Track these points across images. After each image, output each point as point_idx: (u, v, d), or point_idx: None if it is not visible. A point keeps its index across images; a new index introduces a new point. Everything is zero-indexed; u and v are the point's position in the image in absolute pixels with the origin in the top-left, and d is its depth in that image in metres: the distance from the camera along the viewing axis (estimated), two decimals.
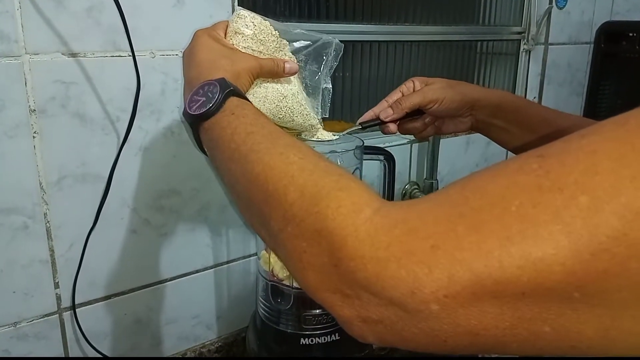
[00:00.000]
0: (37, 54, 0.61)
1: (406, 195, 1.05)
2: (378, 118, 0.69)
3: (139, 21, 0.66)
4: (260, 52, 0.57)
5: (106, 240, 0.71)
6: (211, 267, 0.82)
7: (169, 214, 0.75)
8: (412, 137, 1.04)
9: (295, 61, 0.60)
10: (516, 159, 0.28)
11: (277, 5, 0.85)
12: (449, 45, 1.14)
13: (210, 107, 0.44)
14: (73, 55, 0.63)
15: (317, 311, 0.71)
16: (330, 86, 0.66)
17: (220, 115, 0.44)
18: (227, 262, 0.84)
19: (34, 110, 0.62)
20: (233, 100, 0.45)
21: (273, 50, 0.58)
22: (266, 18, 0.57)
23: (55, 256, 0.67)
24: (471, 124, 0.70)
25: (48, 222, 0.66)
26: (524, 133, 0.66)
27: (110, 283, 0.73)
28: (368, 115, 0.70)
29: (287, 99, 0.59)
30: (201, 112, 0.44)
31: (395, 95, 0.70)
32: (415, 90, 0.69)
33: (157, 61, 0.69)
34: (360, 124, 0.70)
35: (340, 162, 0.74)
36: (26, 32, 0.59)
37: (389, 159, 0.81)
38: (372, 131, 0.74)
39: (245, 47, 0.55)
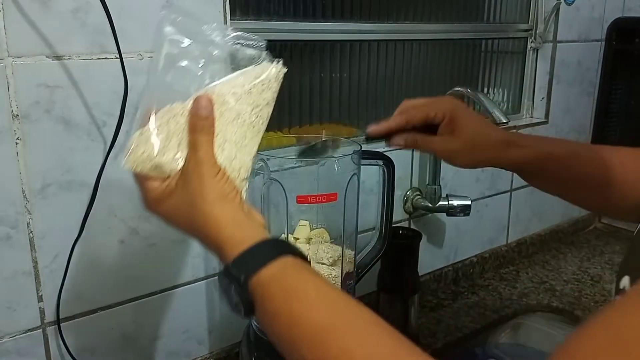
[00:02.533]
0: (21, 56, 0.62)
1: (407, 202, 1.07)
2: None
3: (126, 22, 0.68)
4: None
5: (92, 251, 0.72)
6: (202, 279, 0.84)
7: (158, 223, 0.76)
8: None
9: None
10: None
11: (271, 4, 0.87)
12: (453, 44, 1.16)
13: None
14: (58, 57, 0.64)
15: None
16: None
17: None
18: (219, 274, 0.85)
19: (17, 115, 0.63)
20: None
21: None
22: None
23: (39, 268, 0.69)
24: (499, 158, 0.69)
25: (31, 232, 0.67)
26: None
27: (97, 296, 0.74)
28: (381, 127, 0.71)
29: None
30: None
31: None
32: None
33: (146, 63, 0.71)
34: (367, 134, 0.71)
35: (337, 168, 0.75)
36: (9, 34, 0.61)
37: (388, 164, 0.83)
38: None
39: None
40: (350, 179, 0.74)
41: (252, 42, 0.53)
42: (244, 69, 0.53)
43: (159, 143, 0.50)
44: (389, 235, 0.87)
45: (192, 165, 0.49)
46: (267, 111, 0.55)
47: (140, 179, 0.51)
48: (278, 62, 0.54)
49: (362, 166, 0.78)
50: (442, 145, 0.69)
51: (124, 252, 0.75)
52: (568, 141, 0.75)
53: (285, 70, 0.54)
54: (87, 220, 0.70)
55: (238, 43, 0.53)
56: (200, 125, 0.49)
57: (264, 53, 0.53)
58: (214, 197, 0.48)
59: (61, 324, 0.71)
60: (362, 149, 0.77)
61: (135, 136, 0.50)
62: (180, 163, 0.50)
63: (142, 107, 0.51)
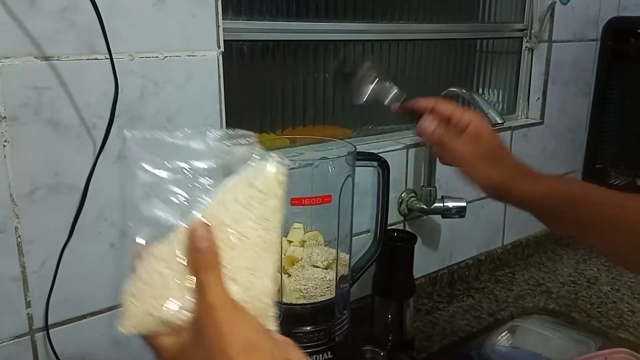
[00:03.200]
0: (8, 57, 0.62)
1: (403, 204, 1.07)
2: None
3: (116, 22, 0.68)
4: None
5: (82, 256, 0.72)
6: None
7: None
8: (407, 142, 1.07)
9: None
10: None
11: (263, 4, 0.88)
12: (448, 44, 1.17)
13: None
14: (46, 58, 0.64)
15: (308, 328, 0.73)
16: None
17: None
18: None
19: (5, 117, 0.63)
20: None
21: None
22: None
23: (27, 273, 0.69)
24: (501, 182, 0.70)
25: (19, 236, 0.67)
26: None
27: (86, 301, 0.74)
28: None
29: None
30: None
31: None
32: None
33: (136, 64, 0.71)
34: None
35: (331, 170, 0.76)
36: None
37: (383, 166, 0.84)
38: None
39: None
40: (344, 181, 0.75)
41: (241, 139, 0.45)
42: (236, 177, 0.44)
43: (155, 293, 0.42)
44: (384, 238, 0.88)
45: (203, 313, 0.40)
46: (277, 218, 0.45)
47: (148, 339, 0.42)
48: (275, 159, 0.45)
49: (356, 168, 0.79)
50: (465, 148, 0.70)
51: (114, 256, 0.75)
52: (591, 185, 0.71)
53: (286, 167, 0.45)
54: (77, 224, 0.70)
55: (224, 143, 0.45)
56: (203, 261, 0.41)
57: (257, 149, 0.45)
58: (237, 350, 0.39)
59: (50, 330, 0.71)
60: (357, 150, 0.77)
61: (127, 291, 0.42)
62: (187, 312, 0.42)
63: (130, 254, 0.44)
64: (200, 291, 0.41)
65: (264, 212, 0.44)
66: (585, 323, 1.09)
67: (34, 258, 0.69)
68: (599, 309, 1.12)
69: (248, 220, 0.43)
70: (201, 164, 0.44)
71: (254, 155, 0.45)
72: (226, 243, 0.43)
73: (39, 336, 0.71)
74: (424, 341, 1.01)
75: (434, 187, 1.06)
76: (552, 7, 1.25)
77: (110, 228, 0.74)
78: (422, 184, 1.06)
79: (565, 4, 1.27)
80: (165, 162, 0.43)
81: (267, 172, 0.44)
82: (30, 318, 0.70)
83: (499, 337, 1.10)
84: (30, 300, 0.69)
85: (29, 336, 0.70)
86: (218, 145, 0.44)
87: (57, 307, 0.71)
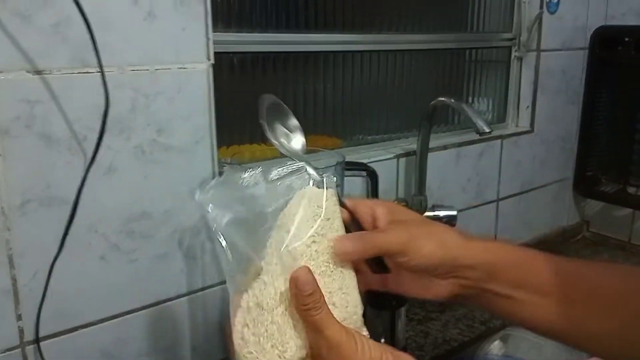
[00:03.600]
0: (1, 72, 0.63)
1: None
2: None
3: (107, 36, 0.69)
4: None
5: (72, 268, 0.73)
6: (185, 295, 0.85)
7: (139, 239, 0.78)
8: (398, 152, 1.09)
9: None
10: None
11: (253, 16, 0.89)
12: (437, 54, 1.19)
13: None
14: (38, 72, 0.66)
15: None
16: None
17: None
18: (202, 289, 0.86)
19: None
20: None
21: None
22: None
23: (18, 286, 0.70)
24: (452, 290, 0.55)
25: (10, 249, 0.68)
26: (533, 298, 0.54)
27: (77, 313, 0.75)
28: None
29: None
30: None
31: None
32: (378, 228, 0.55)
33: (127, 77, 0.72)
34: None
35: None
36: None
37: (372, 176, 0.85)
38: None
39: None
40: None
41: (293, 167, 0.50)
42: (299, 209, 0.48)
43: (276, 341, 0.46)
44: None
45: (326, 352, 0.45)
46: (342, 231, 0.51)
47: None
48: (324, 178, 0.50)
49: (346, 177, 0.80)
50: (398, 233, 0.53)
51: (105, 268, 0.76)
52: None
53: (334, 180, 0.51)
54: (67, 237, 0.71)
55: (279, 179, 0.50)
56: (312, 302, 0.45)
57: (307, 173, 0.50)
58: None
59: (41, 343, 0.72)
60: (346, 160, 0.79)
61: (241, 345, 0.47)
62: (305, 351, 0.46)
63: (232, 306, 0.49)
64: (316, 331, 0.45)
65: (333, 234, 0.49)
66: None
67: (24, 271, 0.70)
68: None
69: (326, 247, 0.49)
70: (267, 209, 0.49)
71: (307, 180, 0.50)
72: (320, 274, 0.48)
73: (30, 349, 0.72)
74: (416, 351, 1.02)
75: (425, 195, 1.07)
76: (539, 17, 1.28)
77: (101, 240, 0.75)
78: (413, 193, 1.08)
79: (553, 13, 1.30)
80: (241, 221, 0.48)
81: (323, 198, 0.49)
82: (21, 331, 0.71)
83: (492, 345, 1.11)
84: (21, 313, 0.70)
85: (20, 349, 0.71)
86: (276, 186, 0.49)
87: (48, 320, 0.72)
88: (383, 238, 0.52)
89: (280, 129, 0.58)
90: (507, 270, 0.53)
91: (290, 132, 0.58)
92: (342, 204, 0.54)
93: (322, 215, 0.49)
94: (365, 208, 0.56)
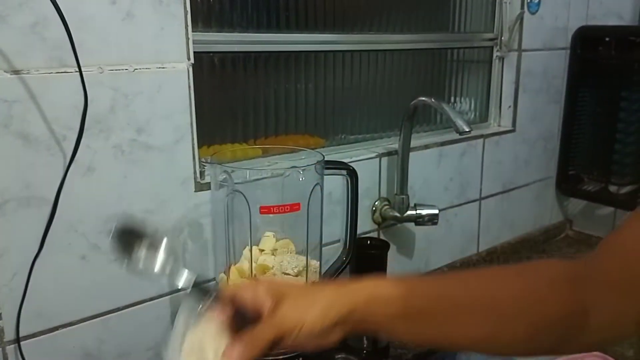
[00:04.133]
0: None
1: (376, 212, 1.11)
2: None
3: (86, 35, 0.71)
4: None
5: (52, 268, 0.74)
6: (167, 294, 0.86)
7: None
8: (380, 151, 1.11)
9: None
10: None
11: (233, 16, 0.91)
12: (419, 54, 1.21)
13: None
14: (16, 72, 0.67)
15: None
16: None
17: None
18: (184, 289, 0.87)
19: None
20: None
21: None
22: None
23: None
24: (344, 332, 0.56)
25: None
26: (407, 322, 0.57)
27: (57, 313, 0.76)
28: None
29: None
30: None
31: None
32: (264, 316, 0.55)
33: (106, 76, 0.73)
34: None
35: (301, 179, 0.79)
36: None
37: (352, 174, 0.87)
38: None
39: None
40: (312, 189, 0.78)
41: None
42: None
43: None
44: (354, 245, 0.91)
45: None
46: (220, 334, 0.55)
47: None
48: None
49: (327, 177, 0.82)
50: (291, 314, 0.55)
51: (85, 268, 0.77)
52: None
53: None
54: (47, 236, 0.72)
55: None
56: None
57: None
58: None
59: (21, 342, 0.72)
60: (325, 159, 0.80)
61: None
62: None
63: None
64: None
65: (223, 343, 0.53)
66: None
67: (4, 270, 0.71)
68: None
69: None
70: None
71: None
72: None
73: (11, 349, 0.73)
74: (398, 349, 1.04)
75: (407, 195, 1.09)
76: (520, 17, 1.30)
77: (81, 240, 0.76)
78: (395, 192, 1.10)
79: (533, 13, 1.33)
80: None
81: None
82: (1, 330, 0.72)
83: None
84: (1, 313, 0.71)
85: (1, 349, 0.72)
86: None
87: (28, 320, 0.73)
88: (269, 329, 0.53)
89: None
90: (382, 306, 0.55)
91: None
92: (218, 301, 0.57)
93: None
94: (247, 294, 0.56)
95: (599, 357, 0.97)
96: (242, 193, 0.75)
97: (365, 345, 0.99)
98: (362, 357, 0.96)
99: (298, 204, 0.76)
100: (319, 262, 0.82)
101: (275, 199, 0.77)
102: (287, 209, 0.74)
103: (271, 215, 0.76)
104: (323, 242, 0.86)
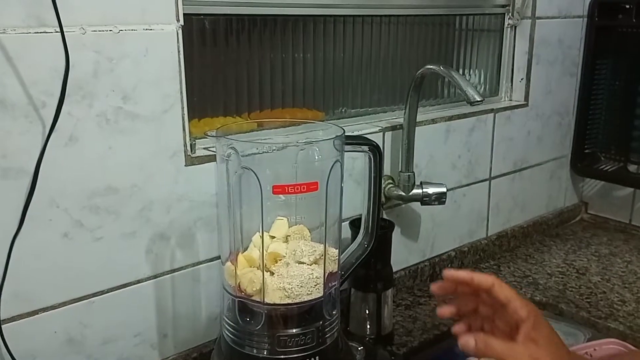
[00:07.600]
0: None
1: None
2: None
3: None
4: None
5: (33, 246, 0.74)
6: (152, 277, 0.86)
7: (105, 215, 0.79)
8: (384, 125, 1.11)
9: None
10: None
11: None
12: (425, 22, 1.21)
13: None
14: None
15: (294, 331, 0.73)
16: None
17: None
18: (172, 271, 0.88)
19: None
20: None
21: None
22: None
23: None
24: None
25: None
26: None
27: (38, 296, 0.76)
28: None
29: None
30: None
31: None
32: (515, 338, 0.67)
33: (89, 38, 0.73)
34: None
35: (317, 157, 0.74)
36: None
37: (375, 151, 0.83)
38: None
39: None
40: (332, 167, 0.73)
41: None
42: None
43: None
44: (377, 230, 0.88)
45: None
46: None
47: None
48: None
49: (345, 153, 0.76)
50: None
51: (68, 247, 0.77)
52: None
53: None
54: (27, 212, 0.72)
55: None
56: None
57: None
58: None
59: (1, 326, 0.72)
60: (345, 133, 0.76)
61: None
62: None
63: None
64: None
65: None
66: (573, 314, 1.14)
67: None
68: (588, 300, 1.18)
69: None
70: None
71: None
72: None
73: None
74: (404, 336, 1.05)
75: (412, 172, 1.09)
76: None
77: (63, 216, 0.76)
78: (399, 169, 1.10)
79: None
80: None
81: None
82: None
83: None
84: None
85: None
86: None
87: (7, 302, 0.73)
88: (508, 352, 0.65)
89: None
90: None
91: None
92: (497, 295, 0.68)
93: None
94: (515, 307, 0.68)
95: (617, 344, 0.98)
96: (252, 170, 0.70)
97: (368, 332, 1.00)
98: (366, 344, 0.97)
99: (316, 183, 0.71)
100: (337, 250, 0.79)
101: (288, 177, 0.72)
102: (304, 188, 0.70)
103: (282, 196, 0.72)
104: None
